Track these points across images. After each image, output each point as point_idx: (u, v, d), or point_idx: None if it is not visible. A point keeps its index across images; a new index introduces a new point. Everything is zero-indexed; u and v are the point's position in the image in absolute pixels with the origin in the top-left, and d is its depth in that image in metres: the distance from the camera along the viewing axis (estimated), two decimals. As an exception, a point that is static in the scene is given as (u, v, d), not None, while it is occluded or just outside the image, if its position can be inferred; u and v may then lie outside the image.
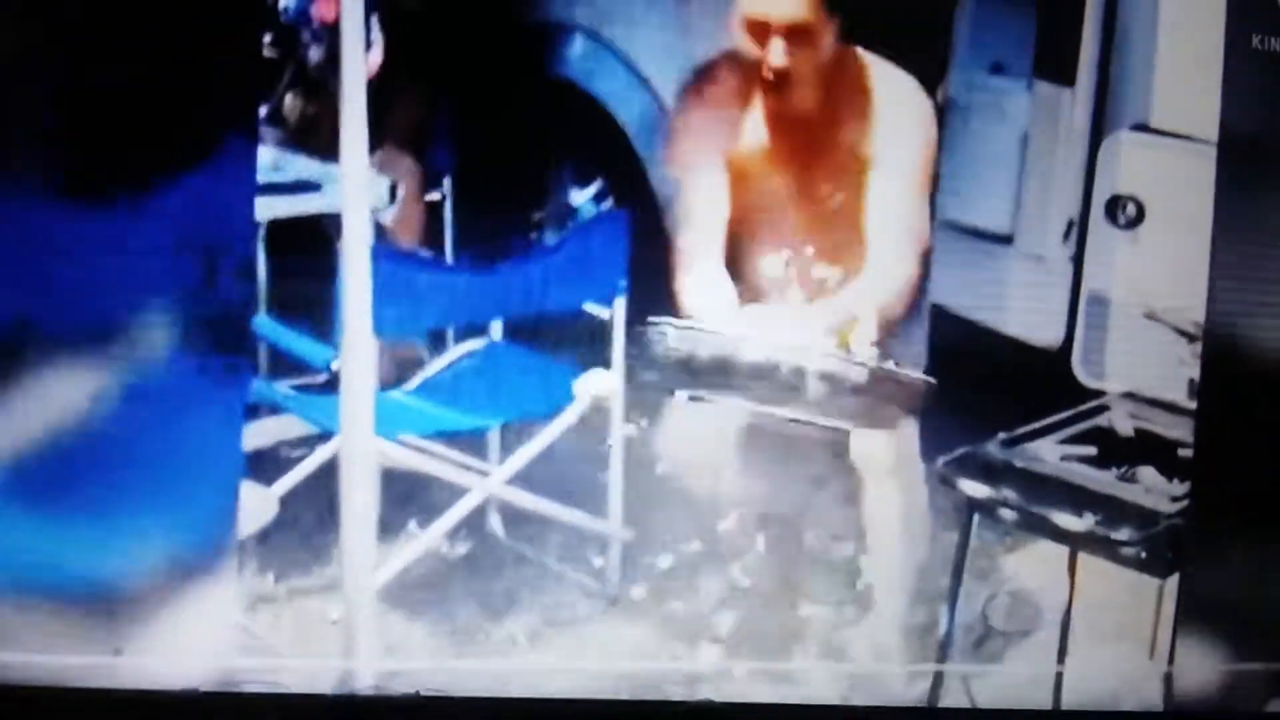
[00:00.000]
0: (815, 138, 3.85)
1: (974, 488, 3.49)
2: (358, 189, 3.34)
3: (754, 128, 3.87)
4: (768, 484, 3.92)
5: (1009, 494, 3.47)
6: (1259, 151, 3.54)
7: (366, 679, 3.47)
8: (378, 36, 3.65)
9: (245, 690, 3.33)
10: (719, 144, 3.86)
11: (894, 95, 3.85)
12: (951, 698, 3.59)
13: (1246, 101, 3.56)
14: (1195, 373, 3.66)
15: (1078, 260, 4.11)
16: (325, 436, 3.61)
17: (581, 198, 3.97)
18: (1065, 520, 3.43)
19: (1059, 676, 3.72)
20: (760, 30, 3.75)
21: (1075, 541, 3.46)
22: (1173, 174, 3.92)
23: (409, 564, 3.68)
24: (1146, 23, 3.95)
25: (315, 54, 3.61)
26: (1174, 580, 3.49)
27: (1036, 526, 3.47)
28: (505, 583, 3.79)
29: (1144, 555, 3.38)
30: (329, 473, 3.54)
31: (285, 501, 3.55)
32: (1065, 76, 4.06)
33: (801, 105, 3.82)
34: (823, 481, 3.95)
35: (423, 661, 3.54)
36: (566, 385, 3.78)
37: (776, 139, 3.85)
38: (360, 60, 3.31)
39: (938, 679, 3.61)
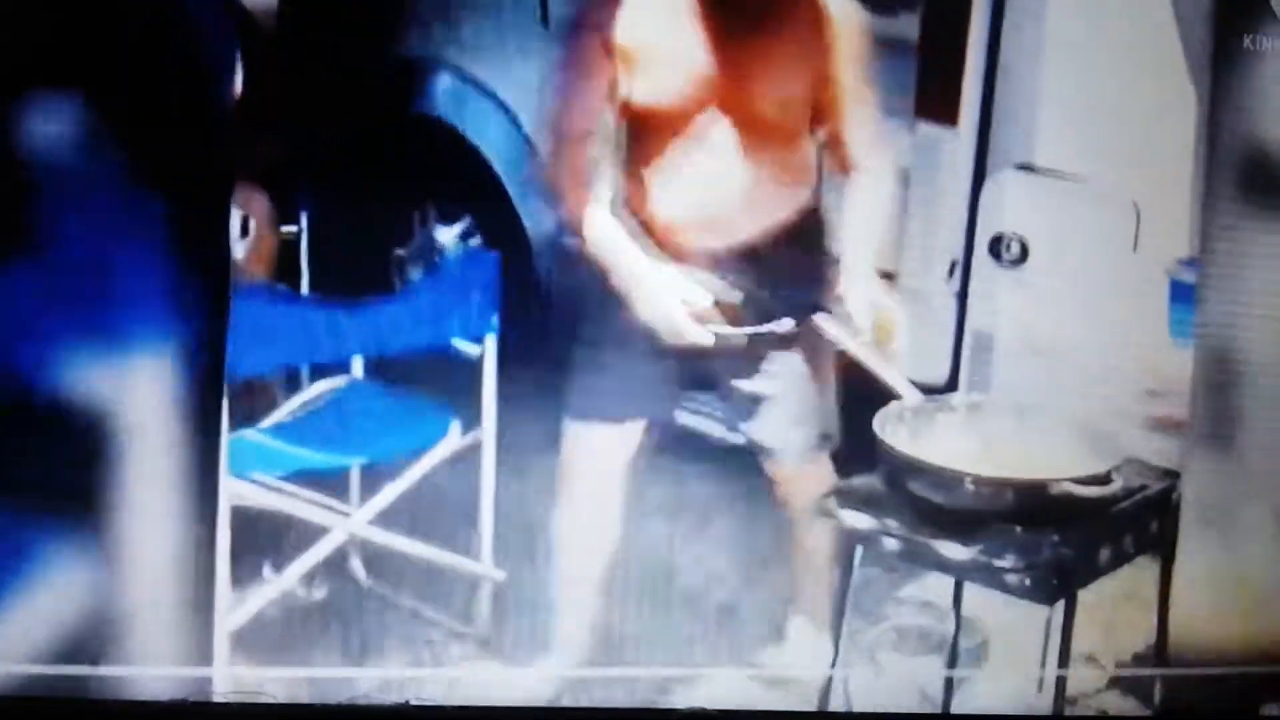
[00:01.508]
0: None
1: (856, 518, 3.44)
2: None
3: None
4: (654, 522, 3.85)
5: (892, 524, 3.40)
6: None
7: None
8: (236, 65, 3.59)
9: (232, 700, 3.30)
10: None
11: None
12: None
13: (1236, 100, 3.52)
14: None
15: (962, 298, 4.09)
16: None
17: (448, 235, 3.91)
18: (949, 549, 3.36)
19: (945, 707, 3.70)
20: None
21: (959, 570, 3.42)
22: (1057, 212, 3.93)
23: (264, 608, 3.60)
24: (1029, 62, 3.96)
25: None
26: (1059, 609, 3.42)
27: (919, 556, 3.42)
28: (368, 627, 3.69)
29: (1028, 582, 3.32)
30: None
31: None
32: (948, 116, 4.06)
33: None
34: (708, 517, 3.87)
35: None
36: (434, 422, 3.71)
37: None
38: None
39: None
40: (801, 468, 3.75)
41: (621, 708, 3.40)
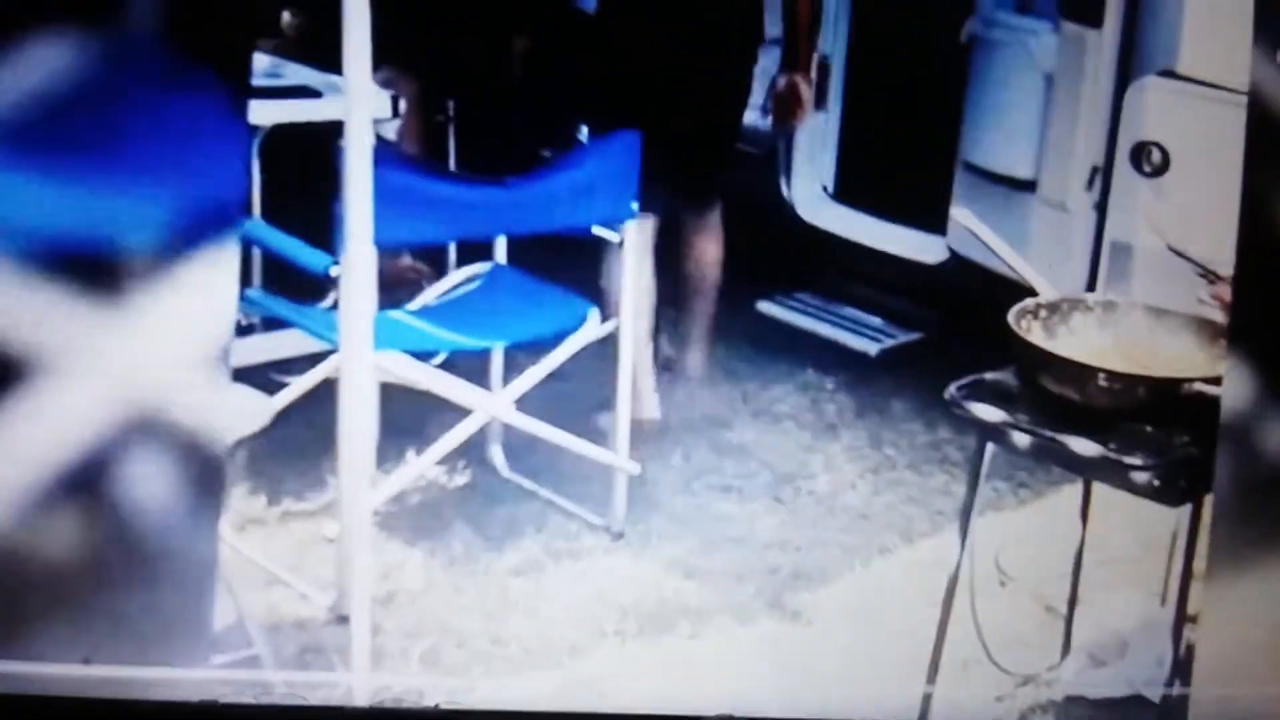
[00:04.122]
0: None
1: (987, 411, 3.52)
2: (360, 93, 3.45)
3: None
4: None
5: (1022, 418, 3.50)
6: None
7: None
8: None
9: (264, 702, 3.36)
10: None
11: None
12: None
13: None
14: (1214, 315, 3.74)
15: (1101, 208, 4.25)
16: (319, 359, 3.77)
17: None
18: (1079, 445, 3.44)
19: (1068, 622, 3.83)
20: None
21: (1088, 467, 3.51)
22: (1199, 122, 4.05)
23: (408, 488, 3.89)
24: None
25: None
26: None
27: (1049, 452, 3.52)
28: (505, 513, 3.98)
29: (1157, 483, 3.38)
30: (327, 392, 3.68)
31: (278, 421, 3.68)
32: (1092, 17, 4.23)
33: None
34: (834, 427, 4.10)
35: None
36: (574, 310, 3.95)
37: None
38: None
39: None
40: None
41: (646, 713, 3.43)
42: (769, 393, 4.33)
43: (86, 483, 3.07)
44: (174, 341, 3.03)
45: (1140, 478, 3.39)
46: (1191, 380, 3.38)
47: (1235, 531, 3.38)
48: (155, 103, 3.00)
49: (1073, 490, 3.84)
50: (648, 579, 3.85)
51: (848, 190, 4.87)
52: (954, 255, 4.41)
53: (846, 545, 3.99)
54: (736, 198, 4.48)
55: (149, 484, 3.07)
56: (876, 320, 4.63)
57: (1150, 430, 3.39)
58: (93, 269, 2.98)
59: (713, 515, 4.02)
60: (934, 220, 4.49)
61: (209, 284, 3.01)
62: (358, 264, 3.47)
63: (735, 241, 4.44)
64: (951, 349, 4.05)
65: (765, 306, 4.63)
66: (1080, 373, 3.40)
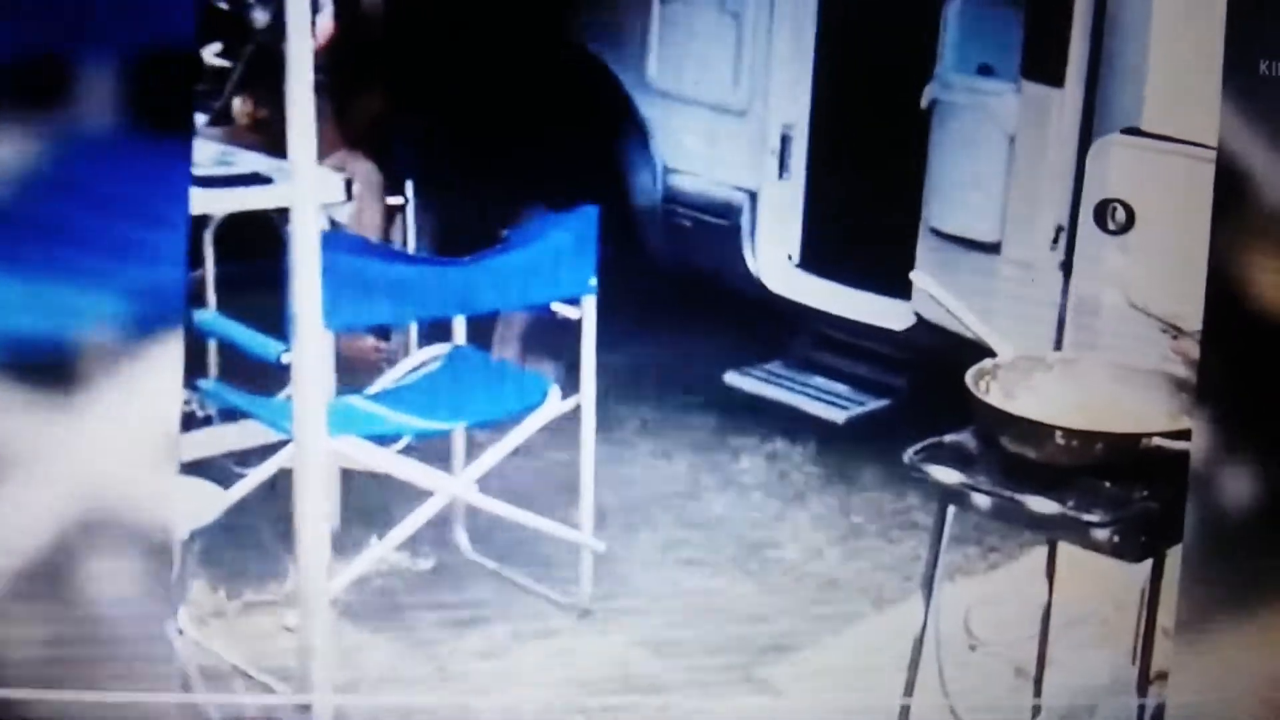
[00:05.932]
0: None
1: (946, 474, 3.63)
2: (306, 177, 3.54)
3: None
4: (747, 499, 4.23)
5: (982, 479, 3.61)
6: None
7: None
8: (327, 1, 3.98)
9: None
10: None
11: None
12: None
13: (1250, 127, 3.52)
14: (1178, 370, 3.85)
15: (1067, 267, 4.37)
16: (279, 448, 3.87)
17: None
18: (1037, 504, 3.54)
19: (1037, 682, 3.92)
20: None
21: (1048, 526, 3.61)
22: (1164, 178, 4.16)
23: (371, 573, 3.99)
24: (1139, 23, 4.23)
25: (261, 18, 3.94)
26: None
27: (1009, 512, 3.62)
28: (470, 595, 4.08)
29: (1116, 539, 3.48)
30: (286, 482, 3.74)
31: (237, 512, 3.82)
32: (1054, 77, 4.35)
33: None
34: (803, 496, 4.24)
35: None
36: (534, 387, 4.07)
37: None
38: (307, 38, 3.49)
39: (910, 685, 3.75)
40: None
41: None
42: (737, 464, 4.42)
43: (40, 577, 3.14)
44: (120, 435, 3.12)
45: (1100, 534, 3.48)
46: (1149, 435, 3.47)
47: (1206, 588, 3.48)
48: (98, 192, 3.11)
49: (1043, 552, 3.91)
50: (616, 655, 3.94)
51: (813, 259, 4.94)
52: (920, 320, 4.50)
53: (816, 614, 4.09)
54: (702, 270, 4.59)
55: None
56: (844, 388, 4.73)
57: (1109, 486, 3.49)
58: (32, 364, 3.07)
59: (681, 589, 4.12)
60: (900, 286, 4.56)
61: (153, 377, 3.11)
62: (308, 350, 3.55)
63: (701, 314, 4.53)
64: (919, 415, 4.09)
65: (732, 378, 4.73)
66: (1037, 431, 3.49)
